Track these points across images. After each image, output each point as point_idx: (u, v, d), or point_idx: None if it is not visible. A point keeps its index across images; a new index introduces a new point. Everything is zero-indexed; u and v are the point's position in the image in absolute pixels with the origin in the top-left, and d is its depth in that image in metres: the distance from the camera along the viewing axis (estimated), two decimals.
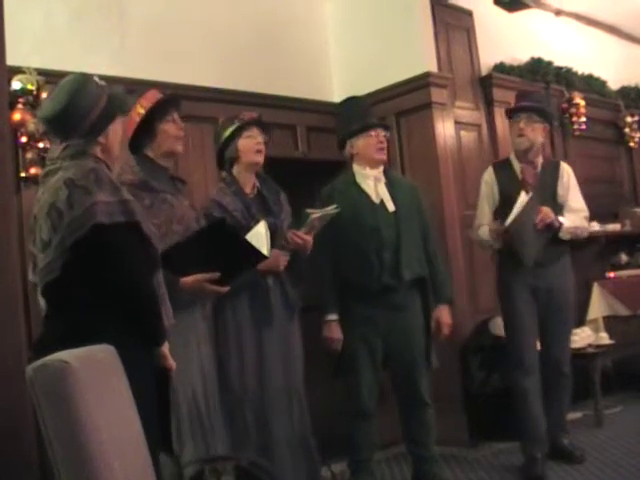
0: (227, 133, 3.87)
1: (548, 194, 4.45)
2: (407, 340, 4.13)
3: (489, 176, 4.57)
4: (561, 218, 4.39)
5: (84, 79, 2.67)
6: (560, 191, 4.50)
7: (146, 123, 3.36)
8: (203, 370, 3.33)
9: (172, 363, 2.67)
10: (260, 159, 3.88)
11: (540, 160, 4.53)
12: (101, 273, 2.44)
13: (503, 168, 4.56)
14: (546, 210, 4.30)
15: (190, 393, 3.20)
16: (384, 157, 4.27)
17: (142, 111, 3.35)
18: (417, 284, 4.19)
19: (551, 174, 4.51)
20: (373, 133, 4.19)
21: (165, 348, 2.64)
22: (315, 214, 3.75)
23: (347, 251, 4.10)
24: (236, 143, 3.85)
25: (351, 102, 4.42)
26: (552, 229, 4.33)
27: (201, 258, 3.12)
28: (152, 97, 3.39)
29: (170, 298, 2.84)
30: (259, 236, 3.50)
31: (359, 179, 4.21)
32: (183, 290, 3.10)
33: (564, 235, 4.39)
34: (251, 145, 3.84)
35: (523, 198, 4.23)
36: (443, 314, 4.26)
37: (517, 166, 4.51)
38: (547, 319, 4.43)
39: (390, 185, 4.23)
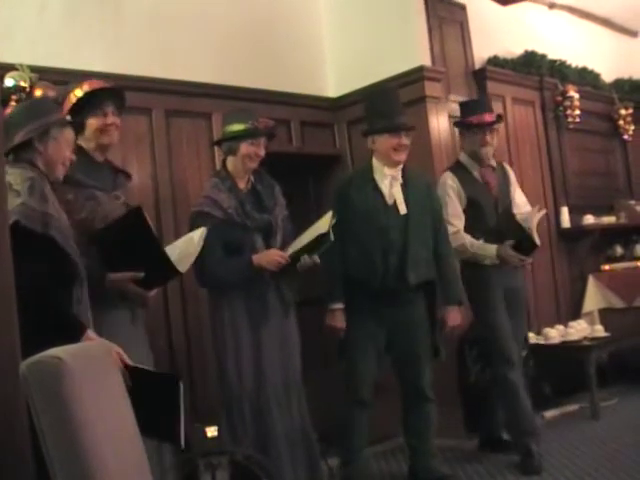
0: (236, 129, 3.87)
1: (506, 193, 4.65)
2: (411, 335, 4.14)
3: (453, 181, 4.56)
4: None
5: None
6: (511, 189, 4.70)
7: (74, 116, 3.33)
8: None
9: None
10: (254, 165, 3.91)
11: (494, 162, 4.71)
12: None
13: (461, 173, 4.61)
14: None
15: None
16: (403, 159, 4.16)
17: (80, 94, 3.37)
18: (423, 286, 4.17)
19: (503, 174, 4.72)
20: (396, 134, 4.12)
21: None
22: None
23: (354, 249, 4.09)
24: (239, 144, 3.85)
25: (386, 95, 4.33)
26: None
27: (126, 253, 3.05)
28: (92, 85, 3.40)
29: (96, 296, 2.84)
30: (189, 242, 3.34)
31: (377, 176, 4.15)
32: (110, 286, 3.06)
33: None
34: (252, 154, 3.85)
35: (538, 214, 4.48)
36: (450, 315, 4.21)
37: (473, 169, 4.62)
38: (510, 312, 4.53)
39: (406, 185, 4.16)
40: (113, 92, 3.49)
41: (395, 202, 4.12)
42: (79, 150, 3.35)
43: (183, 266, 3.22)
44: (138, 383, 2.47)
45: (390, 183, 4.14)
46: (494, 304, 4.48)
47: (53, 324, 2.57)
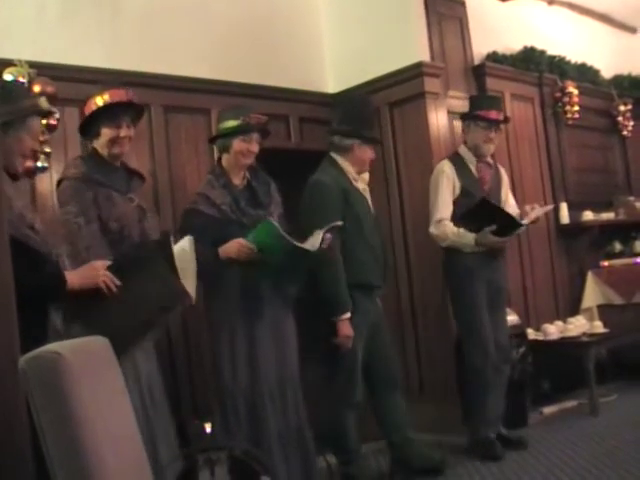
0: (228, 126, 3.87)
1: (497, 191, 4.74)
2: (384, 326, 4.36)
3: (450, 169, 4.62)
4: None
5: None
6: (503, 189, 4.81)
7: (91, 121, 3.41)
8: (141, 389, 3.25)
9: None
10: (248, 162, 3.92)
11: (491, 160, 4.80)
12: None
13: (458, 163, 4.67)
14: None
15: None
16: None
17: (100, 103, 3.38)
18: None
19: (496, 173, 4.81)
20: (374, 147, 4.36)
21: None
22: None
23: (363, 250, 4.14)
24: (231, 141, 3.85)
25: (367, 104, 4.57)
26: None
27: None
28: (113, 97, 3.41)
29: None
30: (181, 254, 3.18)
31: (352, 180, 4.26)
32: None
33: None
34: (244, 150, 3.85)
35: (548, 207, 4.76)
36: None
37: (470, 163, 4.68)
38: (494, 307, 4.62)
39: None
40: (131, 105, 3.51)
41: (369, 203, 4.34)
42: (94, 152, 3.43)
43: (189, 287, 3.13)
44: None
45: (364, 187, 4.34)
46: (477, 299, 4.54)
47: (36, 291, 2.48)
